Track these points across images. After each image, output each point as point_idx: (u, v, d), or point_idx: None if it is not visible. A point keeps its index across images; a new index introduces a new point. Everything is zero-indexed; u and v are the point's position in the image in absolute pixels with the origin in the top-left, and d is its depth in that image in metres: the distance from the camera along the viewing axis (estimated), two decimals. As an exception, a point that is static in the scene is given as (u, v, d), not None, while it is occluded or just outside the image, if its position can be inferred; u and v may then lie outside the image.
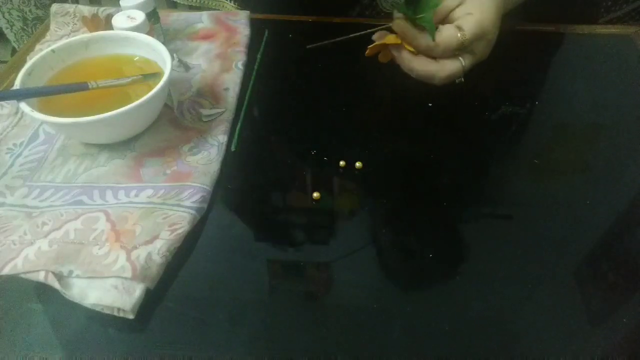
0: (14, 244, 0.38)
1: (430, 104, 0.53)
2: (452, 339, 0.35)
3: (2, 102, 0.51)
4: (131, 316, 0.35)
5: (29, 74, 0.46)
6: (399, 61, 0.48)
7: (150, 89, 0.43)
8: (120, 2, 0.56)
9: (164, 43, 0.49)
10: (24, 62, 0.54)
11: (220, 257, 0.40)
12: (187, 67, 0.56)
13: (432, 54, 0.46)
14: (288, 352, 0.34)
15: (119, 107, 0.41)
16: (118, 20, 0.53)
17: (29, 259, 0.37)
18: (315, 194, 0.44)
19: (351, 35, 0.48)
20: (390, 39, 0.47)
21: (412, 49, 0.46)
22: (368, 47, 0.48)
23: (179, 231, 0.39)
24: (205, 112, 0.50)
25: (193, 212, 0.41)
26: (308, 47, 0.49)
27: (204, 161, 0.46)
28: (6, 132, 0.48)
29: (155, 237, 0.38)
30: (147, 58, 0.51)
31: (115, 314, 0.35)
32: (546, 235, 0.41)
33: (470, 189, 0.46)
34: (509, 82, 0.57)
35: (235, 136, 0.49)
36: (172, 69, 0.46)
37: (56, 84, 0.47)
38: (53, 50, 0.48)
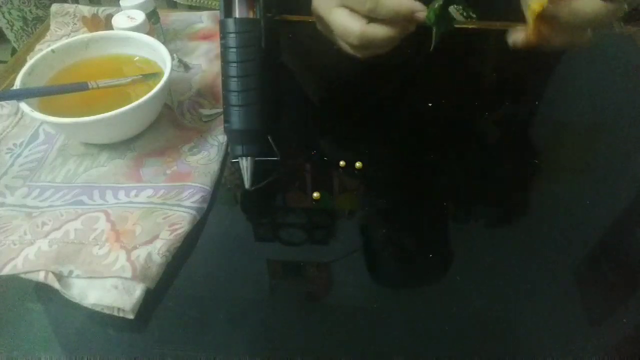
0: (14, 244, 0.38)
1: (430, 104, 0.53)
2: (452, 339, 0.35)
3: (2, 102, 0.51)
4: (131, 316, 0.35)
5: (29, 74, 0.46)
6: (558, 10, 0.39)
7: (150, 89, 0.43)
8: (120, 2, 0.56)
9: (164, 43, 0.49)
10: (24, 62, 0.54)
11: (220, 257, 0.40)
12: (187, 67, 0.56)
13: None
14: (288, 352, 0.34)
15: (119, 107, 0.41)
16: (118, 20, 0.53)
17: (29, 259, 0.37)
18: (315, 194, 0.44)
19: None
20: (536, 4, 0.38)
21: None
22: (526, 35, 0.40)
23: (179, 231, 0.39)
24: (205, 112, 0.50)
25: (193, 212, 0.41)
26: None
27: (204, 161, 0.46)
28: (6, 132, 0.48)
29: (155, 237, 0.38)
30: (147, 58, 0.51)
31: (115, 314, 0.35)
32: (546, 235, 0.41)
33: (470, 189, 0.46)
34: (509, 82, 0.57)
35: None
36: (172, 69, 0.46)
37: (56, 84, 0.47)
38: (53, 50, 0.48)
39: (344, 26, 0.44)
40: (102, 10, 0.61)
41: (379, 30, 0.43)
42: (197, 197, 0.42)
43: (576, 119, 0.53)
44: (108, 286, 0.36)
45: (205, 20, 0.64)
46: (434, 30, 0.41)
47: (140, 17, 0.53)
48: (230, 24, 0.41)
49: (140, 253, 0.37)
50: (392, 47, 0.45)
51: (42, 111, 0.42)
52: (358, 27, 0.43)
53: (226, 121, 0.43)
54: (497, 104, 0.53)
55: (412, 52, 0.50)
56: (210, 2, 0.78)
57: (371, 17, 0.43)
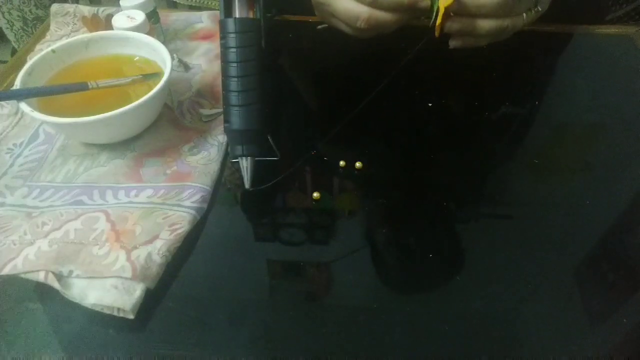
0: (14, 244, 0.38)
1: (430, 104, 0.53)
2: (452, 339, 0.35)
3: (2, 102, 0.51)
4: (131, 316, 0.35)
5: (29, 74, 0.46)
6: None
7: (150, 89, 0.43)
8: (120, 2, 0.56)
9: (164, 43, 0.49)
10: (24, 62, 0.54)
11: (220, 257, 0.40)
12: (187, 67, 0.56)
13: None
14: (288, 352, 0.34)
15: (119, 107, 0.41)
16: (118, 20, 0.53)
17: (29, 259, 0.37)
18: (315, 194, 0.44)
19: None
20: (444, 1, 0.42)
21: None
22: (435, 28, 0.44)
23: (179, 231, 0.39)
24: (205, 112, 0.50)
25: (193, 212, 0.41)
26: (318, 27, 0.48)
27: (204, 161, 0.46)
28: (6, 132, 0.48)
29: (155, 237, 0.38)
30: (147, 58, 0.51)
31: (115, 314, 0.35)
32: (546, 235, 0.41)
33: (470, 189, 0.46)
34: (509, 82, 0.57)
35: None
36: (172, 69, 0.46)
37: (56, 84, 0.47)
38: (53, 50, 0.48)
39: (349, 11, 0.44)
40: (102, 10, 0.61)
41: (385, 15, 0.44)
42: (197, 197, 0.42)
43: (576, 119, 0.53)
44: (108, 286, 0.36)
45: (205, 20, 0.64)
46: (436, 15, 0.43)
47: (140, 17, 0.53)
48: (230, 24, 0.41)
49: (140, 253, 0.37)
50: (396, 28, 0.46)
51: (42, 111, 0.42)
52: (365, 11, 0.43)
53: (226, 121, 0.43)
54: (497, 104, 0.53)
55: (412, 50, 0.50)
56: (210, 2, 0.78)
57: (376, 5, 0.43)
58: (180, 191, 0.42)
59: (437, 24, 0.43)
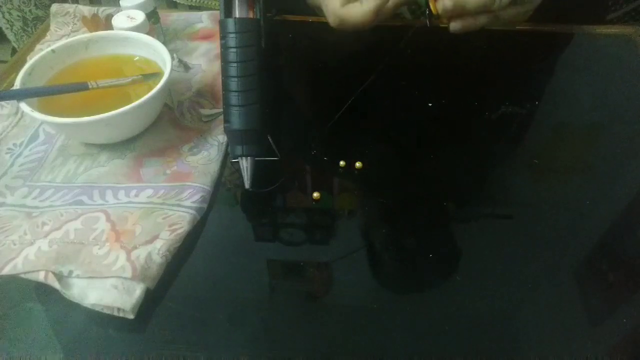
0: (14, 244, 0.38)
1: (430, 104, 0.53)
2: (452, 339, 0.35)
3: (2, 102, 0.51)
4: (131, 316, 0.35)
5: (29, 74, 0.46)
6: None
7: (150, 89, 0.43)
8: (120, 2, 0.56)
9: (164, 43, 0.49)
10: (24, 62, 0.54)
11: (220, 257, 0.40)
12: (187, 67, 0.56)
13: None
14: (288, 352, 0.34)
15: (119, 107, 0.41)
16: (118, 20, 0.53)
17: (29, 259, 0.37)
18: (315, 194, 0.44)
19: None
20: None
21: None
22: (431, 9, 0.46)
23: (179, 231, 0.39)
24: (205, 112, 0.50)
25: (193, 212, 0.41)
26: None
27: (204, 161, 0.46)
28: (6, 132, 0.48)
29: (155, 237, 0.38)
30: (147, 58, 0.51)
31: (115, 314, 0.35)
32: (546, 235, 0.41)
33: (470, 189, 0.46)
34: (509, 82, 0.57)
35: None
36: (172, 69, 0.46)
37: (56, 84, 0.47)
38: (53, 50, 0.48)
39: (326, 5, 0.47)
40: (102, 10, 0.61)
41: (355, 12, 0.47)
42: (197, 197, 0.42)
43: (576, 119, 0.53)
44: (108, 286, 0.36)
45: (205, 20, 0.64)
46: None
47: (140, 17, 0.53)
48: (230, 24, 0.41)
49: (140, 253, 0.37)
50: (370, 26, 0.48)
51: (42, 111, 0.42)
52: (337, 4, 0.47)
53: (226, 121, 0.43)
54: (497, 104, 0.53)
55: (412, 51, 0.50)
56: (210, 2, 0.78)
57: None
58: (180, 191, 0.42)
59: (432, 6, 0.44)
